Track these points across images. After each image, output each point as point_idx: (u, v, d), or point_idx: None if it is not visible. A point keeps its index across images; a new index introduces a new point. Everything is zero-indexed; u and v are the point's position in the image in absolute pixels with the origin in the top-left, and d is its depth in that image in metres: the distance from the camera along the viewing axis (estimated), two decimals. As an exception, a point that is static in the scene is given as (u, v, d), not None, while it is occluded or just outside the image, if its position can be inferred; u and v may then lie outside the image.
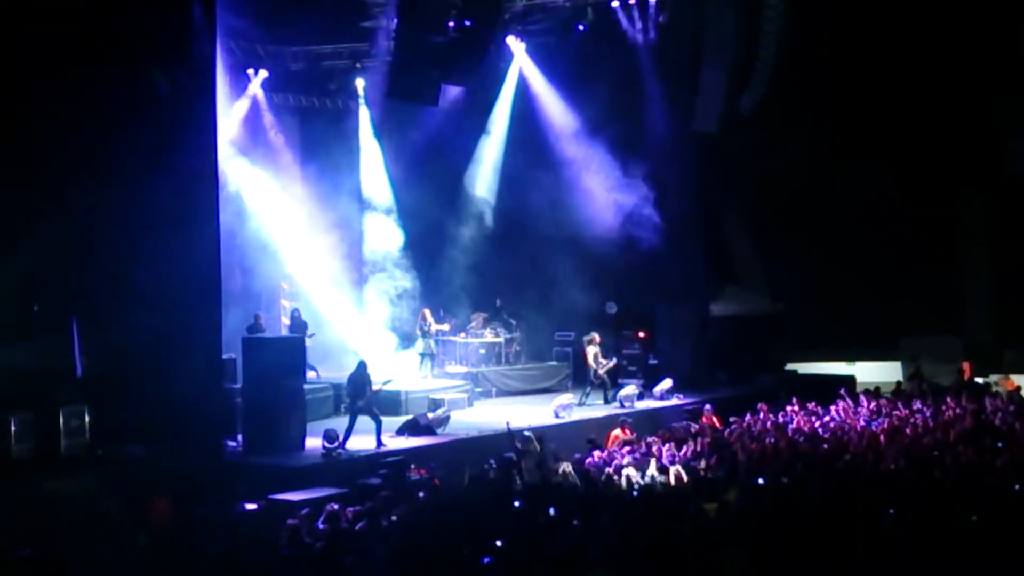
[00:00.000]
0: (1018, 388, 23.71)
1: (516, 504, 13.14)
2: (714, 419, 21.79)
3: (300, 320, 24.30)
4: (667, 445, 18.15)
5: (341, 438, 18.08)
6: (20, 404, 16.88)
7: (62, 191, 17.61)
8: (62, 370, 17.69)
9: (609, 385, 24.28)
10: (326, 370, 24.31)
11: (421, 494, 15.21)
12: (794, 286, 29.27)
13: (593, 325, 25.73)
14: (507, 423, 18.91)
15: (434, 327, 25.66)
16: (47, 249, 17.65)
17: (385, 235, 27.71)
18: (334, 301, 26.83)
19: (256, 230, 25.41)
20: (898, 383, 25.47)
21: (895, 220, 29.42)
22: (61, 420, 16.92)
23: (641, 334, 26.81)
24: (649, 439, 18.97)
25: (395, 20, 21.50)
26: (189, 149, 17.80)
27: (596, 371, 24.21)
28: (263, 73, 26.41)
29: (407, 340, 26.46)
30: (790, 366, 29.54)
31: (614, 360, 25.05)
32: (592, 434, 19.61)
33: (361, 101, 28.05)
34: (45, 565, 10.64)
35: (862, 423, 19.80)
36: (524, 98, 27.86)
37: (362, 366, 19.33)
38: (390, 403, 21.30)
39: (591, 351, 24.34)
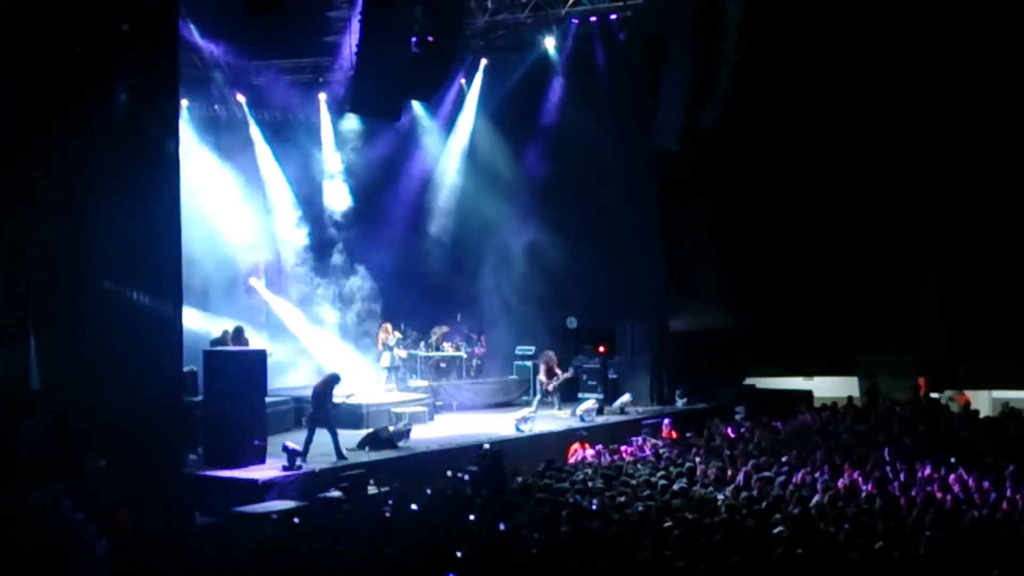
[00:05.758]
0: (968, 403, 24.07)
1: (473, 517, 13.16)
2: (673, 433, 21.98)
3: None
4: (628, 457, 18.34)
5: (301, 450, 18.05)
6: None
7: (19, 200, 17.51)
8: (19, 381, 17.57)
9: (557, 403, 24.69)
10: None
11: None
12: (753, 302, 29.49)
13: (554, 339, 25.89)
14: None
15: (395, 341, 25.62)
16: (2, 258, 17.55)
17: (346, 247, 27.67)
18: (295, 314, 26.93)
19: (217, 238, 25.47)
20: (849, 397, 25.69)
21: (851, 236, 29.71)
22: (19, 432, 16.82)
23: (601, 349, 27.02)
24: (601, 448, 19.21)
25: (358, 35, 21.52)
26: (152, 160, 17.79)
27: (546, 388, 24.72)
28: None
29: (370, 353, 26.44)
30: (748, 381, 29.75)
31: (571, 371, 25.51)
32: (551, 451, 19.70)
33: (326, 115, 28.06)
34: None
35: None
36: (483, 115, 28.11)
37: (329, 380, 19.31)
38: (351, 417, 21.30)
39: (543, 368, 24.95)
